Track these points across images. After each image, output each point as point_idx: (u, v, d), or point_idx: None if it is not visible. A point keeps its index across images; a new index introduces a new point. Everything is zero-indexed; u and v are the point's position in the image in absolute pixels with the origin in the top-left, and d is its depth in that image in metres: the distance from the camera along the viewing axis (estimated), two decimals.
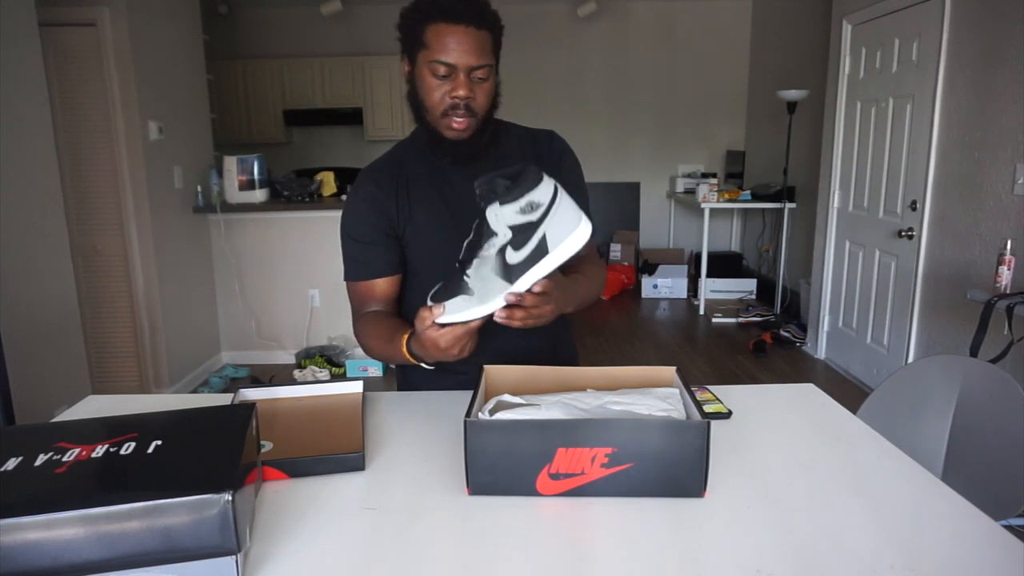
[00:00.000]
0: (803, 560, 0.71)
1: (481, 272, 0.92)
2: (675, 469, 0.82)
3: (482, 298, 0.91)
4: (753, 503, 0.82)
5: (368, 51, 6.07)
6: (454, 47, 1.05)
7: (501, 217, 0.89)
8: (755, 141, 5.91)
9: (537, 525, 0.78)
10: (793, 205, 4.89)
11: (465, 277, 0.93)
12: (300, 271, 3.97)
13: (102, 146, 3.23)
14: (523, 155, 1.22)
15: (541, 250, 0.89)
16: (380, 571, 0.70)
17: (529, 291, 0.91)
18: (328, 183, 4.15)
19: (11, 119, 2.34)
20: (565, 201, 0.90)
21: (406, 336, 1.04)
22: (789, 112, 4.55)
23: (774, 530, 0.76)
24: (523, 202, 0.88)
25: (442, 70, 1.06)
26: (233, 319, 4.03)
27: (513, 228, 0.89)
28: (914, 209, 3.19)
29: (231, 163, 3.79)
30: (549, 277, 0.91)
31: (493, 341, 1.15)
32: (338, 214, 4.44)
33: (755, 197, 5.14)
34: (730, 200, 5.12)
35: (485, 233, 0.92)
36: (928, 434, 1.42)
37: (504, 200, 0.88)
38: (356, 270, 1.22)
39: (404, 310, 1.24)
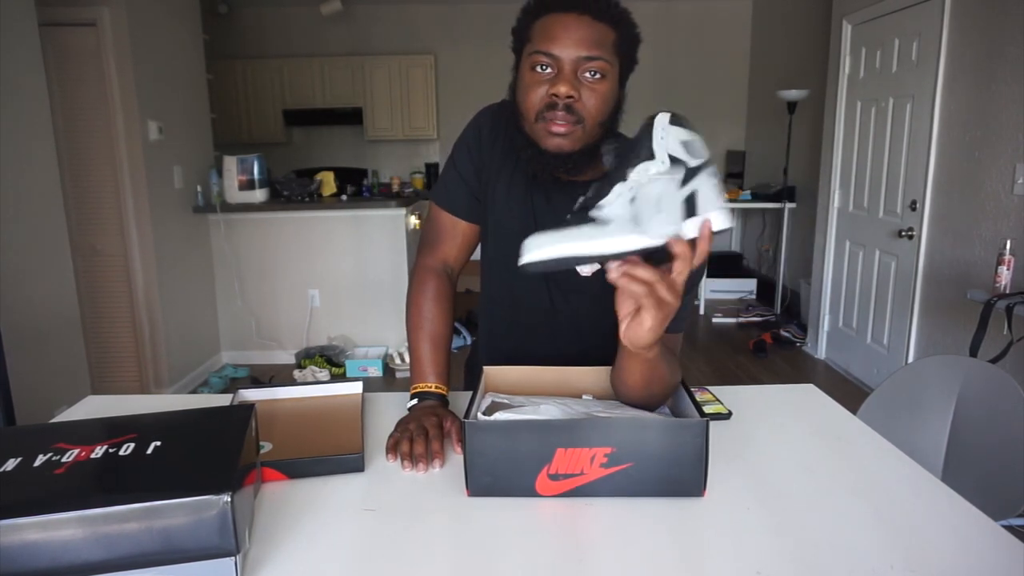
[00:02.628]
0: (803, 560, 0.71)
1: (630, 199, 0.73)
2: (674, 468, 0.82)
3: (619, 228, 0.72)
4: (753, 503, 0.82)
5: (368, 51, 6.07)
6: (559, 35, 0.89)
7: (668, 138, 0.73)
8: (755, 141, 5.91)
9: (537, 526, 0.78)
10: (793, 205, 4.89)
11: (597, 208, 0.74)
12: (300, 271, 3.97)
13: (102, 146, 3.23)
14: None
15: (691, 204, 0.72)
16: (379, 572, 0.70)
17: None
18: (328, 183, 4.16)
19: (11, 119, 2.34)
20: (712, 174, 0.74)
21: (420, 388, 1.05)
22: (789, 112, 4.54)
23: (774, 530, 0.76)
24: (689, 136, 0.73)
25: (543, 60, 0.90)
26: (233, 319, 4.03)
27: (672, 159, 0.73)
28: (914, 209, 3.19)
29: (231, 163, 3.79)
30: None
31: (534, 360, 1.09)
32: (337, 214, 4.43)
33: (755, 197, 5.13)
34: (730, 200, 5.12)
35: (633, 157, 0.73)
36: (928, 434, 1.42)
37: (675, 121, 0.73)
38: (442, 194, 1.15)
39: (480, 302, 1.21)
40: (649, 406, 0.95)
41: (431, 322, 1.11)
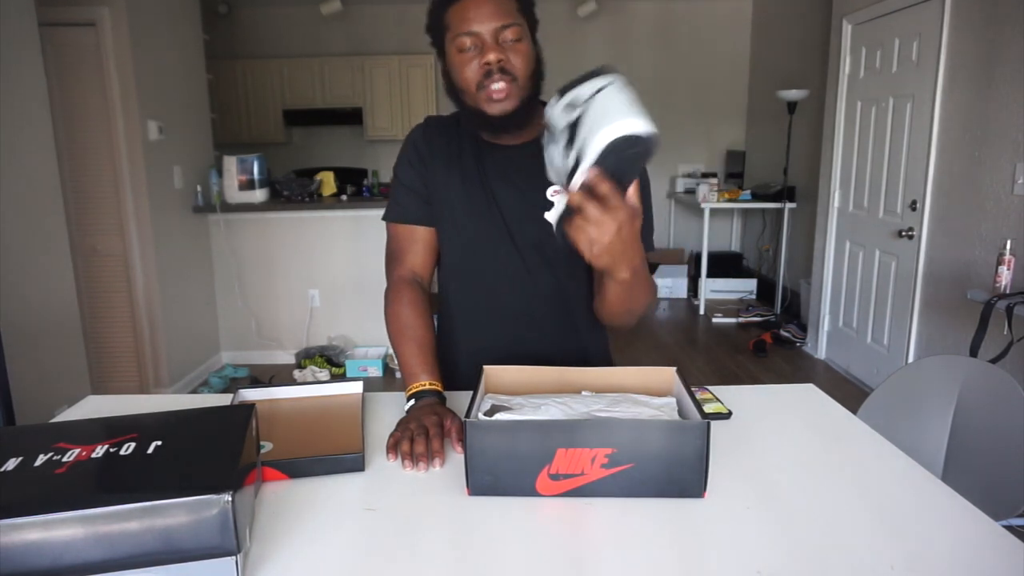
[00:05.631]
0: (803, 560, 0.71)
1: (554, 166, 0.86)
2: (675, 470, 0.82)
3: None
4: (753, 503, 0.82)
5: (368, 51, 6.07)
6: (472, 15, 1.01)
7: (551, 114, 0.82)
8: (755, 141, 5.91)
9: (537, 526, 0.78)
10: (793, 205, 4.89)
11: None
12: (300, 271, 3.97)
13: (102, 146, 3.24)
14: None
15: (581, 141, 0.79)
16: (380, 572, 0.70)
17: (586, 191, 0.79)
18: (328, 183, 4.16)
19: (11, 119, 2.34)
20: (615, 93, 0.78)
21: (415, 388, 1.06)
22: (789, 112, 4.55)
23: (774, 530, 0.76)
24: (569, 97, 0.80)
25: (467, 42, 1.02)
26: (233, 319, 4.03)
27: (564, 128, 0.82)
28: (914, 209, 3.19)
29: (231, 163, 3.79)
30: (604, 186, 0.78)
31: (521, 345, 1.16)
32: (337, 214, 4.45)
33: (755, 197, 5.14)
34: (730, 200, 5.12)
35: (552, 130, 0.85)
36: (928, 434, 1.42)
37: (558, 94, 0.81)
38: (394, 210, 1.21)
39: (440, 284, 1.24)
40: (630, 323, 1.09)
41: (412, 328, 1.13)
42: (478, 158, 1.16)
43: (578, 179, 0.79)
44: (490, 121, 1.07)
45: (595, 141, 0.76)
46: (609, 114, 0.77)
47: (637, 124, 0.75)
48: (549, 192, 1.11)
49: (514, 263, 1.16)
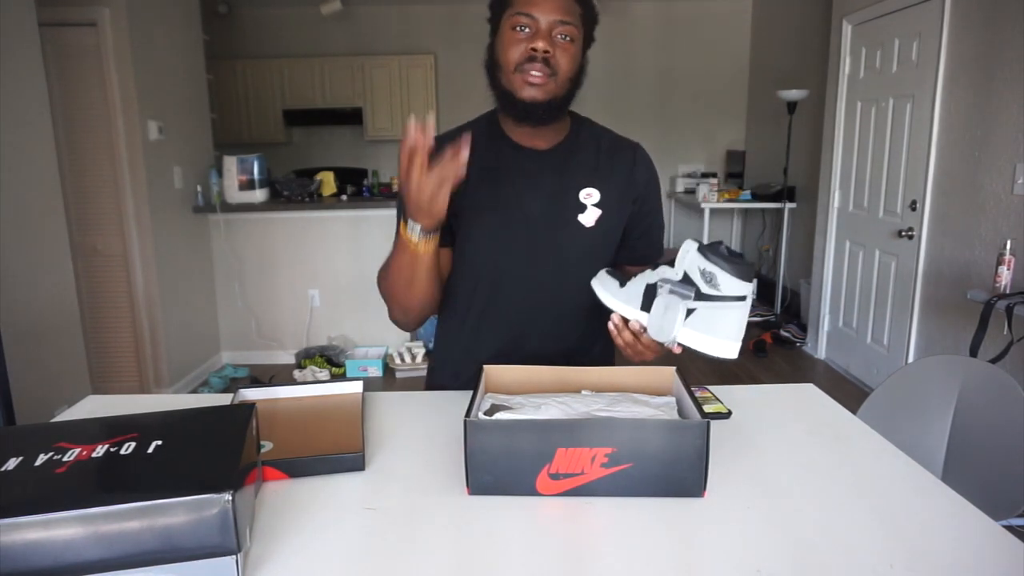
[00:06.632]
0: (803, 560, 0.71)
1: (637, 284, 0.98)
2: (675, 469, 0.82)
3: (624, 298, 0.99)
4: (753, 503, 0.82)
5: (368, 51, 6.07)
6: (538, 1, 1.03)
7: (686, 260, 0.92)
8: (755, 141, 5.91)
9: (537, 525, 0.78)
10: (793, 205, 4.89)
11: (633, 278, 1.00)
12: (300, 271, 3.97)
13: (102, 146, 3.24)
14: (600, 157, 1.17)
15: (696, 321, 0.92)
16: (380, 571, 0.70)
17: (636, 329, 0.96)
18: (328, 183, 4.16)
19: (11, 119, 2.34)
20: (736, 312, 0.91)
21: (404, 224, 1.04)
22: (789, 112, 4.54)
23: (774, 530, 0.76)
24: (710, 267, 0.89)
25: (523, 21, 1.04)
26: (233, 319, 4.03)
27: (684, 278, 0.93)
28: (914, 209, 3.19)
29: (231, 163, 3.79)
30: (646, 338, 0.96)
31: (528, 344, 1.17)
32: (337, 214, 4.43)
33: (755, 197, 5.13)
34: (730, 200, 5.12)
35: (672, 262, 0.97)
36: (928, 434, 1.42)
37: (701, 249, 0.91)
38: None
39: (449, 290, 1.22)
40: None
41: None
42: (498, 158, 1.15)
43: (666, 334, 0.93)
44: (516, 104, 1.07)
45: (703, 343, 0.91)
46: (729, 330, 0.91)
47: (734, 352, 0.91)
48: (582, 195, 1.14)
49: (529, 262, 1.15)
